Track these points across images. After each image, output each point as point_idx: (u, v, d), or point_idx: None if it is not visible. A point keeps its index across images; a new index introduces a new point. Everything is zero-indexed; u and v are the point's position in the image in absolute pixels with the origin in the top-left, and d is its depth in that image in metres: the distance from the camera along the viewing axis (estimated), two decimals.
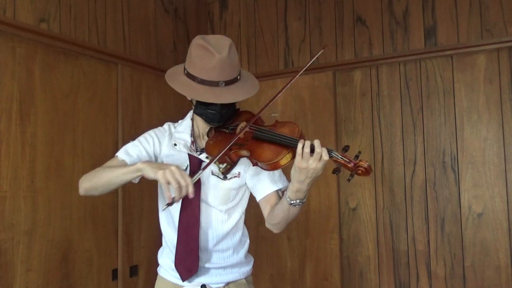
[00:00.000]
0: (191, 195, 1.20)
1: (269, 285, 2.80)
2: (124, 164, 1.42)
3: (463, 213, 2.34)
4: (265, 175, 1.44)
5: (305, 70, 1.47)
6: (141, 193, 2.43)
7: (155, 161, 1.50)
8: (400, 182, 2.50)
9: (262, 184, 1.44)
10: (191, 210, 1.44)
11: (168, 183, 1.19)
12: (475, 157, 2.32)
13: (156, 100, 2.60)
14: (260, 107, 3.07)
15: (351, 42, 2.65)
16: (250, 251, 1.60)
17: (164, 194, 1.21)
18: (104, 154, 2.23)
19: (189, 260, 1.45)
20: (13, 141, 1.83)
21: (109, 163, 1.47)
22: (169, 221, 1.51)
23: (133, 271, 2.37)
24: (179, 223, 1.45)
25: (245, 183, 1.49)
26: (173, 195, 1.21)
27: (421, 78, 2.47)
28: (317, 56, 1.43)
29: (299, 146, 1.18)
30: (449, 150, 2.38)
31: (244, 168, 1.47)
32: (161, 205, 1.54)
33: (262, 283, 2.81)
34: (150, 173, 1.24)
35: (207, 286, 1.48)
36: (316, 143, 1.18)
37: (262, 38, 2.94)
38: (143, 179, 1.56)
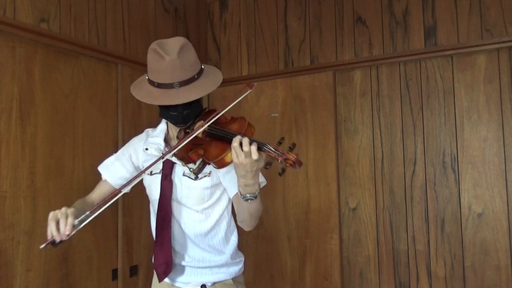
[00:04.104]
0: (65, 232, 1.18)
1: (269, 285, 2.80)
2: (106, 187, 1.55)
3: (463, 213, 2.34)
4: (235, 174, 1.42)
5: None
6: (141, 193, 2.42)
7: (133, 171, 1.55)
8: (400, 182, 2.50)
9: (233, 182, 1.44)
10: (164, 210, 1.47)
11: (49, 222, 1.20)
12: (475, 157, 2.32)
13: None
14: (260, 107, 3.07)
15: (351, 42, 2.65)
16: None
17: (48, 231, 1.21)
18: (104, 154, 2.21)
19: (163, 260, 1.47)
20: (13, 141, 1.83)
21: (96, 187, 1.57)
22: (154, 220, 1.55)
23: (133, 271, 2.37)
24: (156, 224, 1.49)
25: (221, 182, 1.48)
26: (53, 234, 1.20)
27: (421, 78, 2.47)
28: (244, 95, 1.37)
29: (234, 140, 1.18)
30: (449, 150, 2.38)
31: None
32: (152, 217, 1.57)
33: (262, 283, 2.81)
34: None
35: (207, 286, 1.49)
36: (244, 140, 1.17)
37: (262, 38, 2.94)
38: (135, 188, 1.61)
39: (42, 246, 1.21)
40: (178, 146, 1.31)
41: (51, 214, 1.22)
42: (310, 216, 2.69)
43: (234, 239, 1.57)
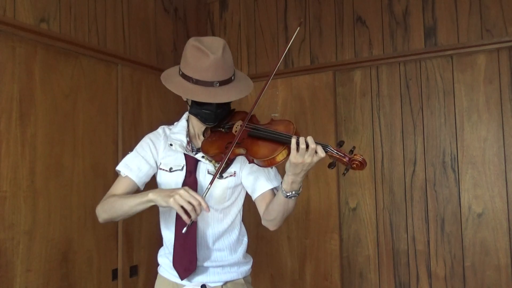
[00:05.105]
0: (207, 210, 1.24)
1: (269, 285, 2.80)
2: (130, 184, 1.48)
3: (463, 213, 2.34)
4: (260, 174, 1.46)
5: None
6: None
7: (155, 167, 1.52)
8: (400, 182, 2.50)
9: (258, 182, 1.46)
10: None
11: (182, 207, 1.22)
12: (475, 157, 2.32)
13: (156, 100, 2.60)
14: (260, 107, 3.07)
15: (351, 42, 2.65)
16: (250, 251, 1.61)
17: (182, 217, 1.24)
18: (104, 154, 2.23)
19: (187, 259, 1.46)
20: (13, 141, 1.83)
21: (116, 185, 1.50)
22: (167, 221, 1.54)
23: (133, 271, 2.37)
24: (176, 222, 1.47)
25: (241, 182, 1.51)
26: (191, 217, 1.24)
27: (421, 78, 2.47)
28: (295, 34, 1.45)
29: (293, 141, 1.21)
30: (449, 150, 2.38)
31: (239, 167, 1.49)
32: (163, 218, 1.56)
33: (262, 283, 2.81)
34: (162, 203, 1.27)
35: (207, 286, 1.49)
36: (310, 139, 1.21)
37: (262, 38, 2.94)
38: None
39: (184, 230, 1.25)
40: (233, 144, 1.33)
41: (176, 200, 1.22)
42: (310, 216, 2.69)
43: (245, 240, 1.60)
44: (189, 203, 1.22)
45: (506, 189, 2.24)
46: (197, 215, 1.24)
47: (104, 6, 2.29)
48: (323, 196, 2.66)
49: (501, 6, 2.27)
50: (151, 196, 1.30)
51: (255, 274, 2.82)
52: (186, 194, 1.23)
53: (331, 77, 2.67)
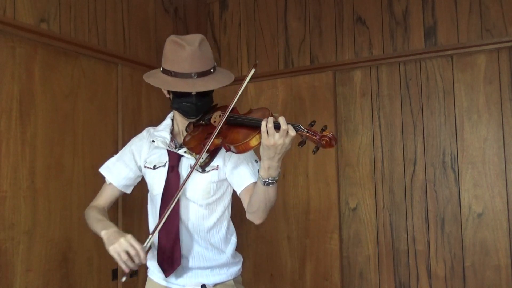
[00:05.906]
0: (143, 261, 1.25)
1: (269, 285, 2.80)
2: (113, 191, 1.58)
3: (463, 213, 2.34)
4: (244, 168, 1.46)
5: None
6: (141, 193, 2.42)
7: (136, 170, 1.57)
8: (400, 182, 2.50)
9: (242, 176, 1.46)
10: (169, 203, 1.45)
11: (119, 255, 1.24)
12: (475, 157, 2.32)
13: (156, 100, 2.60)
14: (260, 106, 3.08)
15: (351, 42, 2.65)
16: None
17: (121, 266, 1.25)
18: (104, 154, 2.22)
19: (171, 256, 1.46)
20: (13, 141, 1.83)
21: (100, 193, 1.60)
22: (154, 218, 1.54)
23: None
24: (159, 218, 1.46)
25: (226, 178, 1.50)
26: (130, 266, 1.25)
27: (421, 78, 2.47)
28: (250, 74, 1.42)
29: (263, 124, 1.21)
30: (449, 150, 2.38)
31: (223, 162, 1.48)
32: (152, 216, 1.57)
33: (262, 283, 2.81)
34: (106, 247, 1.30)
35: (207, 286, 1.48)
36: (281, 119, 1.20)
37: (262, 38, 2.94)
38: (135, 187, 1.63)
39: (124, 279, 1.29)
40: (214, 133, 1.34)
41: (114, 248, 1.24)
42: (310, 216, 2.69)
43: (233, 239, 1.57)
44: (126, 252, 1.23)
45: (506, 189, 2.24)
46: (136, 265, 1.25)
47: (104, 6, 2.29)
48: (323, 196, 2.66)
49: (501, 6, 2.27)
50: (103, 234, 1.33)
51: (255, 274, 2.82)
52: (125, 244, 1.24)
53: (331, 77, 2.67)
